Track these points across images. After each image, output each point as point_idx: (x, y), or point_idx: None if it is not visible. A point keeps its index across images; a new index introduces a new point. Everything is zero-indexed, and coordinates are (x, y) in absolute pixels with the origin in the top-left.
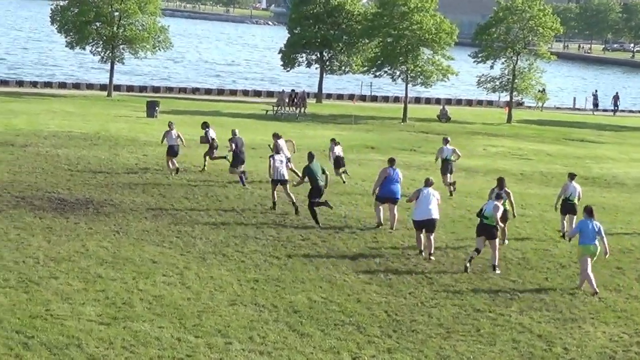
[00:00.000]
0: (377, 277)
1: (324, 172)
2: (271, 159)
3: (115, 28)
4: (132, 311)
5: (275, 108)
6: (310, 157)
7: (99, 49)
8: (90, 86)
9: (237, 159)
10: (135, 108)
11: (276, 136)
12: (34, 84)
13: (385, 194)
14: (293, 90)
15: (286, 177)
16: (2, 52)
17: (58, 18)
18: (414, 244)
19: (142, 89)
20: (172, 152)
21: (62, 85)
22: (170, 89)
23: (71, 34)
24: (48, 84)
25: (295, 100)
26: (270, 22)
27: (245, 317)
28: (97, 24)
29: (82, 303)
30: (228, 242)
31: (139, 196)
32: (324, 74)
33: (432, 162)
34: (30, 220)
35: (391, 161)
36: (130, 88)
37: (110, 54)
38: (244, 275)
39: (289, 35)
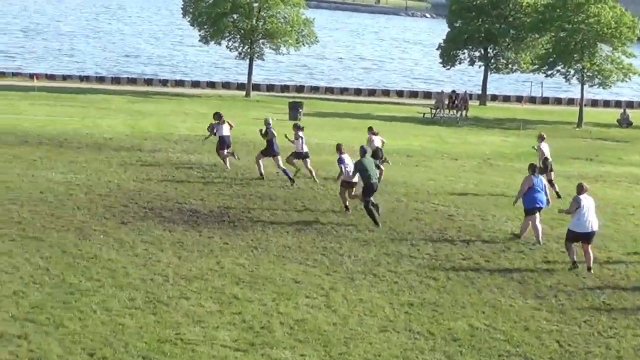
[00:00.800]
0: (547, 301)
1: (378, 167)
2: (341, 164)
3: (254, 21)
4: (271, 336)
5: (434, 111)
6: (363, 151)
7: (236, 44)
8: (226, 85)
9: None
10: (276, 110)
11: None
12: (164, 83)
13: (532, 204)
14: (453, 91)
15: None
16: (130, 47)
17: (191, 10)
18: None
19: (284, 88)
20: (223, 143)
21: (195, 84)
22: (315, 89)
23: (205, 27)
24: (179, 83)
25: (456, 102)
26: (427, 15)
27: (397, 345)
28: (234, 16)
29: (216, 327)
30: (379, 261)
31: (279, 208)
32: (489, 73)
33: (610, 172)
34: (159, 234)
35: (532, 168)
36: (270, 87)
37: (248, 50)
38: (396, 298)
39: (449, 29)
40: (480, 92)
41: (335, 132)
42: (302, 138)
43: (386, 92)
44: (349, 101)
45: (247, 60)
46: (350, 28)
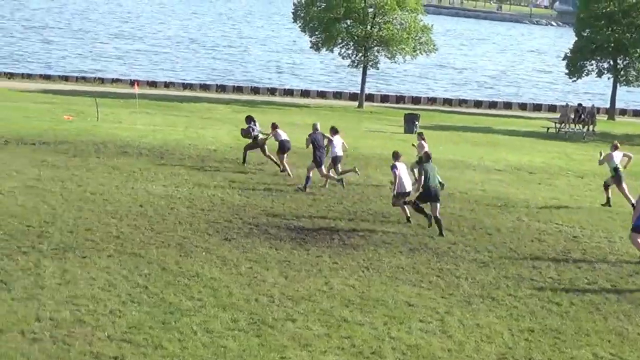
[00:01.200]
0: None
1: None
2: (394, 170)
3: (368, 27)
4: None
5: (558, 125)
6: (427, 156)
7: (349, 51)
8: (337, 95)
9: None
10: (391, 122)
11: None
12: (272, 92)
13: None
14: (580, 105)
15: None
16: (236, 53)
17: (302, 15)
18: None
19: (399, 99)
20: (284, 148)
21: (305, 93)
22: (432, 100)
23: (317, 33)
24: (288, 92)
25: (583, 116)
26: (552, 23)
27: None
28: (348, 21)
29: (324, 351)
30: (498, 284)
31: (393, 226)
32: (618, 85)
33: None
34: (264, 252)
35: None
36: (385, 98)
37: (362, 57)
38: (516, 324)
39: (576, 39)
40: (608, 105)
41: (453, 147)
42: (333, 141)
43: (508, 105)
44: (468, 114)
45: (361, 69)
46: (471, 36)
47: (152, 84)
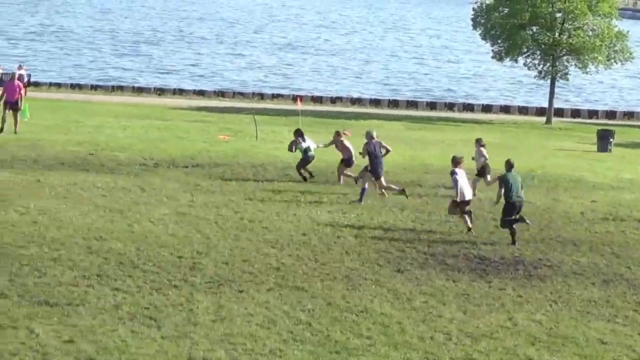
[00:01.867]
0: None
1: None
2: (454, 175)
3: (557, 34)
4: None
5: None
6: (510, 165)
7: (536, 61)
8: (523, 110)
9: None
10: (582, 139)
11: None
12: (450, 107)
13: None
14: None
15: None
16: (409, 65)
17: (482, 21)
18: None
19: (592, 114)
20: (348, 163)
21: (487, 108)
22: (629, 115)
23: (499, 41)
24: (468, 107)
25: None
26: None
27: None
28: (534, 28)
29: None
30: None
31: (584, 255)
32: None
33: None
34: (441, 284)
35: None
36: (575, 113)
37: (550, 68)
38: None
39: None
40: None
41: None
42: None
43: None
44: None
45: (549, 81)
46: None
47: (317, 100)
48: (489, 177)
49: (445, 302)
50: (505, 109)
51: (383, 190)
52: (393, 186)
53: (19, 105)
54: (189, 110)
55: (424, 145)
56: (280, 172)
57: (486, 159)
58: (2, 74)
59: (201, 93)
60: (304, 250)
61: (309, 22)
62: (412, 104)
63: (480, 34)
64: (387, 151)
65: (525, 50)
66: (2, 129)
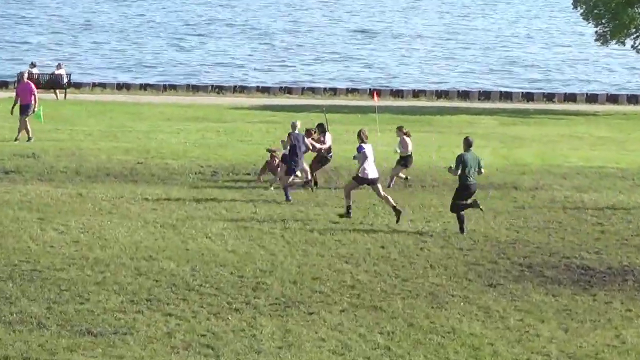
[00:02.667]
0: None
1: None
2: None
3: None
4: None
5: None
6: (468, 144)
7: None
8: (632, 99)
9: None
10: None
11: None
12: (549, 98)
13: None
14: None
15: None
16: (503, 53)
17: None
18: None
19: None
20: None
21: (591, 98)
22: None
23: (603, 21)
24: (570, 97)
25: None
26: None
27: None
28: None
29: None
30: None
31: None
32: None
33: None
34: (539, 299)
35: None
36: None
37: None
38: None
39: None
40: None
41: None
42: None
43: None
44: None
45: None
46: None
47: (397, 94)
48: (402, 171)
49: (543, 320)
50: (613, 99)
51: (278, 184)
52: (297, 180)
53: (31, 108)
54: (251, 109)
55: (520, 142)
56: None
57: (405, 149)
58: (35, 73)
59: (265, 90)
60: (383, 265)
61: (390, 5)
62: (505, 96)
63: (581, 14)
64: (307, 149)
65: (634, 30)
66: (29, 137)
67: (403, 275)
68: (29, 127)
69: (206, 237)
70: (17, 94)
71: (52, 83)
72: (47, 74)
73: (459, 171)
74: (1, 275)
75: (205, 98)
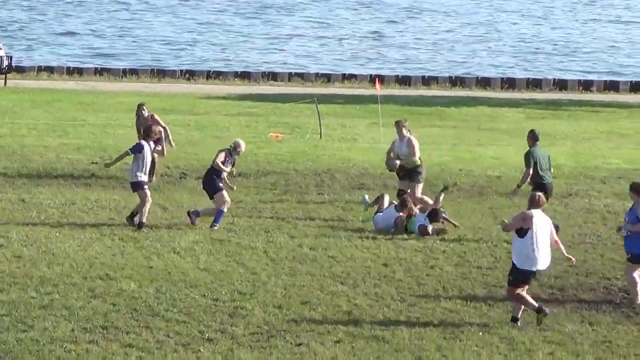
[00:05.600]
0: None
1: None
2: None
3: None
4: None
5: None
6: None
7: None
8: None
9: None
10: None
11: None
12: (586, 86)
13: None
14: None
15: None
16: (531, 37)
17: None
18: None
19: None
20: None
21: (636, 87)
22: None
23: None
24: (611, 86)
25: None
26: None
27: None
28: None
29: None
30: None
31: None
32: None
33: None
34: (573, 329)
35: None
36: None
37: None
38: None
39: None
40: None
41: None
42: None
43: None
44: None
45: None
46: None
47: (404, 81)
48: None
49: (578, 353)
50: None
51: None
52: None
53: None
54: (228, 99)
55: (551, 140)
56: (353, 181)
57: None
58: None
59: (245, 76)
60: (385, 286)
61: None
62: (534, 84)
63: None
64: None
65: None
66: None
67: (410, 300)
68: None
69: (174, 253)
70: None
71: None
72: None
73: (531, 170)
74: None
75: (173, 85)
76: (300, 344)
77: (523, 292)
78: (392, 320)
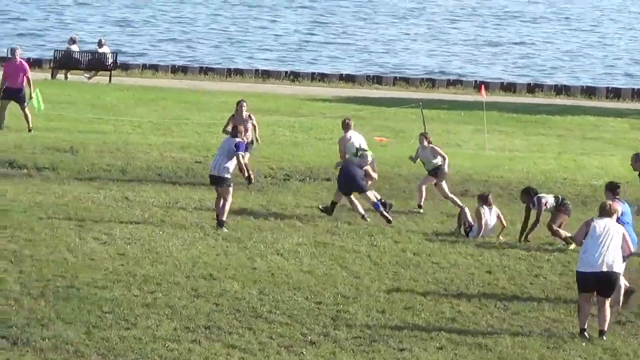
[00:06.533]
0: None
1: None
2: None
3: None
4: None
5: None
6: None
7: None
8: None
9: None
10: None
11: None
12: None
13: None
14: None
15: None
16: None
17: None
18: None
19: None
20: None
21: None
22: None
23: None
24: None
25: None
26: None
27: None
28: None
29: None
30: None
31: None
32: None
33: None
34: None
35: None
36: None
37: None
38: None
39: None
40: None
41: None
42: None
43: None
44: None
45: None
46: None
47: (509, 88)
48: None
49: None
50: None
51: None
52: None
53: (24, 93)
54: (333, 102)
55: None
56: (457, 187)
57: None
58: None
59: (350, 79)
60: (489, 294)
61: None
62: (639, 94)
63: None
64: None
65: None
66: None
67: (513, 308)
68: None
69: (277, 254)
70: (4, 75)
71: (95, 64)
72: (89, 52)
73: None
74: (32, 293)
75: (277, 86)
76: (403, 349)
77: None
78: (495, 328)
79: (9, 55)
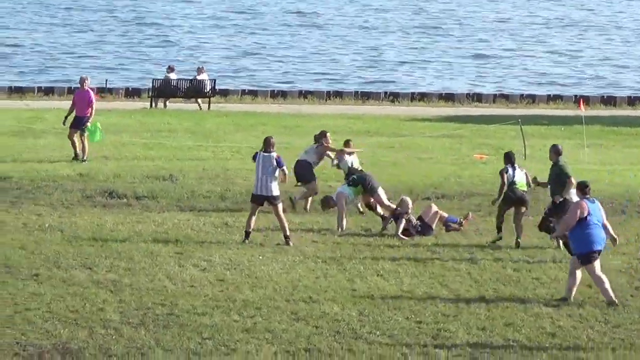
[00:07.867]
0: None
1: None
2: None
3: None
4: None
5: None
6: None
7: None
8: None
9: None
10: None
11: None
12: None
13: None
14: None
15: None
16: None
17: None
18: None
19: None
20: None
21: None
22: None
23: None
24: None
25: None
26: None
27: None
28: None
29: None
30: None
31: None
32: None
33: None
34: None
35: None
36: None
37: None
38: None
39: None
40: None
41: None
42: None
43: None
44: None
45: None
46: None
47: (609, 101)
48: None
49: None
50: None
51: None
52: None
53: (85, 122)
54: (433, 121)
55: None
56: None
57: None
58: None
59: (449, 97)
60: (590, 308)
61: None
62: None
63: None
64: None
65: None
66: (75, 154)
67: (614, 321)
68: (81, 143)
69: (377, 275)
70: (73, 103)
71: (194, 91)
72: (187, 79)
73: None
74: (132, 321)
75: (377, 107)
76: None
77: None
78: (597, 342)
79: (78, 85)
